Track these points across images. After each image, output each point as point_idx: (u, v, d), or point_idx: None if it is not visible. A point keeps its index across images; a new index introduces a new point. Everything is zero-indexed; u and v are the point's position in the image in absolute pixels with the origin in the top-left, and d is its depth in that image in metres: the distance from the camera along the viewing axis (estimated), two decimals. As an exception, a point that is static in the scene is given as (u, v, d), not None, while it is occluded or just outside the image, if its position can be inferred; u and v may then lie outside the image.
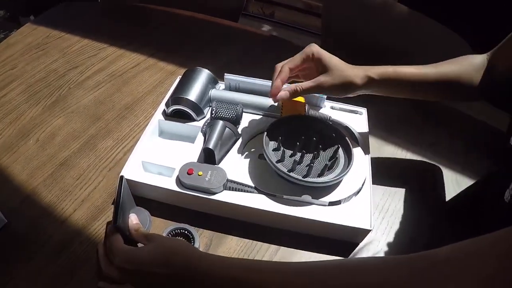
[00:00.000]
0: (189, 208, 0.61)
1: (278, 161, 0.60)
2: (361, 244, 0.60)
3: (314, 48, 0.60)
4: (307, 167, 0.60)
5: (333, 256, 0.57)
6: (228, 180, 0.59)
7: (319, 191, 0.59)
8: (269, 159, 0.59)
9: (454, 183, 0.73)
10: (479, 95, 0.64)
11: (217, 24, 1.05)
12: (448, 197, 0.70)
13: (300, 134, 0.65)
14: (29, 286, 0.52)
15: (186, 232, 0.57)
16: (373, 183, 0.63)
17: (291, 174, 0.57)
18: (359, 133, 0.70)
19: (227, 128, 0.63)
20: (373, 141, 0.76)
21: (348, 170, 0.59)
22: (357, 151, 0.65)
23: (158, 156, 0.63)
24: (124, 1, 1.11)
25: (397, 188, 0.70)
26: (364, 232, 0.58)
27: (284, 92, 0.59)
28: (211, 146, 0.59)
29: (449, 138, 0.80)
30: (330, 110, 0.75)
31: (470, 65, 0.63)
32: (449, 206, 0.69)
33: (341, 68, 0.59)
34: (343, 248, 0.59)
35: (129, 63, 0.89)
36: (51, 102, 0.79)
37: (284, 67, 0.59)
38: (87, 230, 0.59)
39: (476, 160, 0.77)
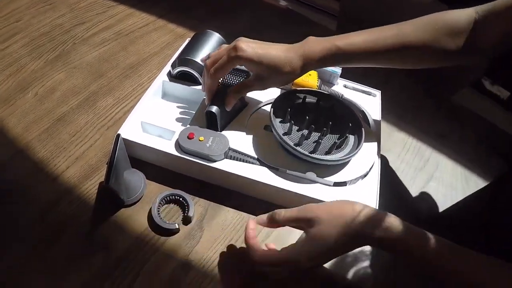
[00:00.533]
0: (186, 174, 0.58)
1: (284, 134, 0.56)
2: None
3: (240, 53, 0.51)
4: (315, 143, 0.56)
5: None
6: (230, 149, 0.55)
7: (324, 170, 0.55)
8: (275, 131, 0.55)
9: (463, 180, 0.70)
10: (459, 59, 0.54)
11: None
12: (457, 195, 0.67)
13: (310, 109, 0.61)
14: (14, 246, 0.50)
15: (181, 199, 0.54)
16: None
17: (297, 148, 0.54)
18: (370, 114, 0.66)
19: None
20: (383, 126, 0.72)
21: (358, 151, 0.55)
22: (367, 133, 0.61)
23: (159, 118, 0.60)
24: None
25: (404, 178, 0.67)
26: None
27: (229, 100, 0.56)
28: (214, 110, 0.55)
29: (460, 131, 0.77)
30: (343, 88, 0.71)
31: (444, 26, 0.52)
32: (458, 208, 0.65)
33: (276, 70, 0.52)
34: None
35: (138, 23, 0.85)
36: (54, 57, 0.76)
37: (214, 82, 0.54)
38: (78, 189, 0.56)
39: (486, 157, 0.74)
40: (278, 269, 0.44)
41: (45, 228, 0.52)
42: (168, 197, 0.54)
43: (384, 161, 0.67)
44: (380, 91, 0.72)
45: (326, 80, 0.70)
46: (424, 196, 0.65)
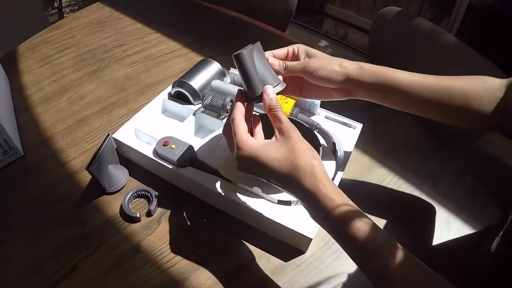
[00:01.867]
0: (160, 176, 0.74)
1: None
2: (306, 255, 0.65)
3: (301, 46, 0.63)
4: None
5: (273, 257, 0.64)
6: (195, 158, 0.70)
7: (271, 187, 0.66)
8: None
9: (443, 224, 0.72)
10: (489, 125, 0.61)
11: (264, 29, 1.19)
12: (430, 238, 0.69)
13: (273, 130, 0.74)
14: (21, 210, 0.70)
15: (148, 195, 0.70)
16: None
17: None
18: (341, 144, 0.75)
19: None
20: (365, 160, 0.80)
21: None
22: (330, 162, 0.72)
23: (152, 128, 0.77)
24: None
25: (373, 217, 0.72)
26: (306, 240, 0.63)
27: (276, 60, 0.61)
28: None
29: (453, 174, 0.80)
30: (324, 119, 0.82)
31: (483, 85, 0.59)
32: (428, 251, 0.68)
33: (329, 56, 0.61)
34: (288, 253, 0.65)
35: (165, 49, 1.06)
36: (91, 71, 0.99)
37: (268, 51, 0.63)
38: (78, 175, 0.75)
39: (479, 207, 0.75)
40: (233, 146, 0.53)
41: (46, 198, 0.71)
42: (139, 192, 0.70)
43: (353, 197, 0.75)
44: (362, 124, 0.80)
45: (306, 110, 0.82)
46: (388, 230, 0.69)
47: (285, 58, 0.63)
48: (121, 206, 0.69)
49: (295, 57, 0.63)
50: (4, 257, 0.63)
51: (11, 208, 0.70)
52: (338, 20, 1.93)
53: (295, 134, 0.52)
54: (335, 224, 0.49)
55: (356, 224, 0.47)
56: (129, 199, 0.69)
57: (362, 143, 0.80)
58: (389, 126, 0.88)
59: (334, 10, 1.93)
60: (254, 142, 0.53)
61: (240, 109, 0.56)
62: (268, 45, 1.06)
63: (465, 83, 0.59)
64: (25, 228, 0.67)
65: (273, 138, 0.54)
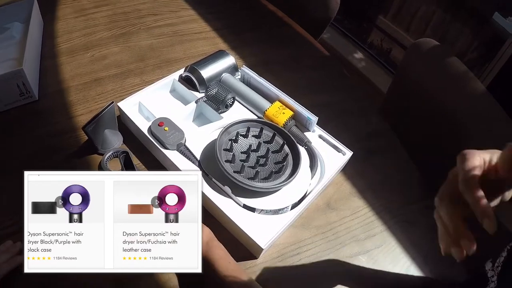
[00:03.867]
0: (149, 150, 0.84)
1: (225, 149, 0.79)
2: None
3: None
4: (250, 168, 0.77)
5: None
6: (183, 145, 0.80)
7: (242, 191, 0.75)
8: (217, 141, 0.77)
9: (403, 269, 0.75)
10: None
11: (297, 32, 1.24)
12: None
13: (261, 138, 0.82)
14: (21, 149, 0.82)
15: (127, 158, 0.81)
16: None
17: (224, 163, 0.74)
18: (324, 166, 0.82)
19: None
20: (347, 188, 0.86)
21: (273, 186, 0.74)
22: (305, 180, 0.80)
23: (155, 104, 0.87)
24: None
25: (331, 239, 0.78)
26: (259, 248, 0.70)
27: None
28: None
29: (431, 225, 0.81)
30: (317, 138, 0.88)
31: None
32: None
33: None
34: (242, 255, 0.73)
35: (195, 29, 1.15)
36: (120, 33, 1.10)
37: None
38: (80, 131, 0.86)
39: (445, 266, 0.76)
40: None
41: (46, 144, 0.83)
42: (118, 152, 0.81)
43: (317, 213, 0.81)
44: (352, 152, 0.84)
45: (303, 124, 0.89)
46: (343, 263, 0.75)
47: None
48: (100, 161, 0.80)
49: None
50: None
51: (12, 146, 0.83)
52: (386, 34, 1.96)
53: None
54: None
55: None
56: (109, 156, 0.81)
57: (351, 170, 0.86)
58: (383, 160, 0.93)
59: (384, 23, 1.95)
60: None
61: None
62: (298, 50, 1.14)
63: None
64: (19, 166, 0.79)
65: None
